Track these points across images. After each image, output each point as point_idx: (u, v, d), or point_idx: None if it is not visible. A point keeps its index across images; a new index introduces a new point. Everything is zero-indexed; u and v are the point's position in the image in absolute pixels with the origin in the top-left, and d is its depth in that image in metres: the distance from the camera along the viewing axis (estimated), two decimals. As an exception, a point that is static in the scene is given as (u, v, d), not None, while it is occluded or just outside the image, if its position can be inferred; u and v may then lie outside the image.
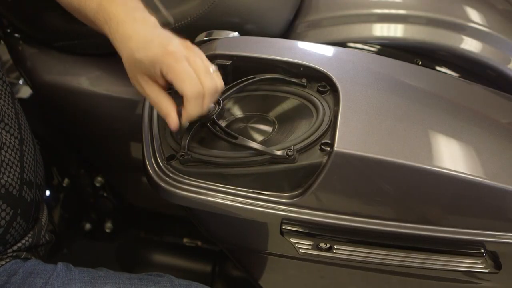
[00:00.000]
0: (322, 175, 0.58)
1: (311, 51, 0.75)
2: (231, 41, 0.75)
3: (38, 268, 0.66)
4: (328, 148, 0.59)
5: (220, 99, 0.66)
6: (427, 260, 0.63)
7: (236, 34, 0.79)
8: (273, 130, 0.66)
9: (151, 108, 0.71)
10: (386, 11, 0.93)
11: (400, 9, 0.93)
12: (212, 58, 0.70)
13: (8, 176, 0.64)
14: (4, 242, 0.66)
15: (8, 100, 0.69)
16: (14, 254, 0.68)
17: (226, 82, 0.70)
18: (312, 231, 0.62)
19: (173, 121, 0.57)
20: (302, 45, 0.76)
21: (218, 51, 0.71)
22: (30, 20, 0.91)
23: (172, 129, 0.59)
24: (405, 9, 0.93)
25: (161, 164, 0.64)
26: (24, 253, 0.70)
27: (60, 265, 0.68)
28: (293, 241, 0.63)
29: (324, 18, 0.94)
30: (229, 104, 0.70)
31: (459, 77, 0.89)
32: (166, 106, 0.58)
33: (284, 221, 0.62)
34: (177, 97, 0.59)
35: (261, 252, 0.73)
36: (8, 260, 0.67)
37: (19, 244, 0.68)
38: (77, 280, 0.66)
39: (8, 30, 0.96)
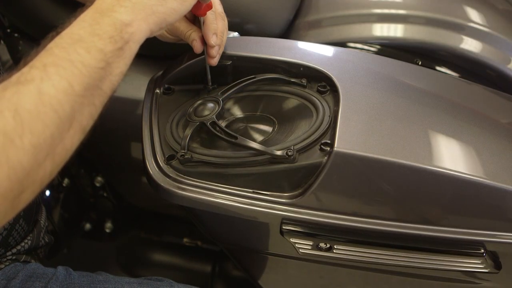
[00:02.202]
0: (322, 175, 0.58)
1: (311, 51, 0.75)
2: (231, 41, 0.75)
3: (38, 271, 0.66)
4: (328, 148, 0.59)
5: (220, 99, 0.66)
6: (427, 260, 0.63)
7: (236, 34, 0.79)
8: (273, 130, 0.66)
9: (151, 108, 0.71)
10: (386, 11, 0.93)
11: (400, 9, 0.93)
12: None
13: None
14: (6, 244, 0.66)
15: None
16: (14, 257, 0.68)
17: (226, 82, 0.71)
18: (312, 231, 0.62)
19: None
20: (302, 45, 0.76)
21: (218, 51, 0.71)
22: (29, 20, 0.91)
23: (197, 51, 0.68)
24: (405, 9, 0.93)
25: (161, 164, 0.64)
26: (24, 256, 0.69)
27: (59, 268, 0.68)
28: (293, 241, 0.63)
29: (324, 18, 0.94)
30: (229, 104, 0.70)
31: (459, 77, 0.89)
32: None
33: (284, 221, 0.62)
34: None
35: (261, 252, 0.73)
36: (7, 263, 0.66)
37: (19, 247, 0.68)
38: (76, 284, 0.66)
39: (8, 30, 0.96)
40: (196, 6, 0.62)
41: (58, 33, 0.47)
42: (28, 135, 0.40)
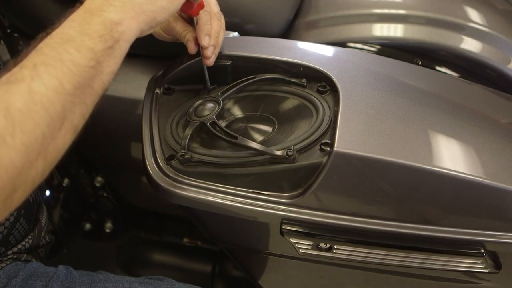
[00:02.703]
0: (322, 175, 0.58)
1: (311, 51, 0.75)
2: (231, 41, 0.75)
3: (39, 270, 0.66)
4: (328, 148, 0.59)
5: (220, 99, 0.66)
6: (427, 260, 0.63)
7: (236, 34, 0.79)
8: (273, 130, 0.66)
9: (151, 108, 0.71)
10: (386, 11, 0.93)
11: (400, 9, 0.93)
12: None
13: None
14: (7, 243, 0.66)
15: None
16: (15, 256, 0.68)
17: (226, 82, 0.71)
18: (312, 231, 0.62)
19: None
20: (302, 45, 0.76)
21: (218, 51, 0.71)
22: (29, 20, 0.92)
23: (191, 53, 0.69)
24: (405, 9, 0.93)
25: (161, 164, 0.64)
26: (25, 255, 0.69)
27: (60, 267, 0.68)
28: (293, 241, 0.63)
29: (324, 18, 0.94)
30: (229, 104, 0.70)
31: (459, 77, 0.89)
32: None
33: (284, 221, 0.62)
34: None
35: (261, 252, 0.73)
36: (8, 262, 0.66)
37: (19, 246, 0.68)
38: (77, 283, 0.66)
39: (8, 30, 0.96)
40: (188, 6, 0.62)
41: (48, 34, 0.47)
42: (20, 134, 0.40)
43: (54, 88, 0.43)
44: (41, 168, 0.43)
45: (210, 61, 0.67)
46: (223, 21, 0.70)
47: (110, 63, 0.48)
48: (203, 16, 0.66)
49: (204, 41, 0.65)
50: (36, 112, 0.42)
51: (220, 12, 0.70)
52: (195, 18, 0.66)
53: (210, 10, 0.68)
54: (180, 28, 0.67)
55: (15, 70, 0.44)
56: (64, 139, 0.45)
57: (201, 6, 0.64)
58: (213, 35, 0.66)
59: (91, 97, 0.47)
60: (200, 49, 0.67)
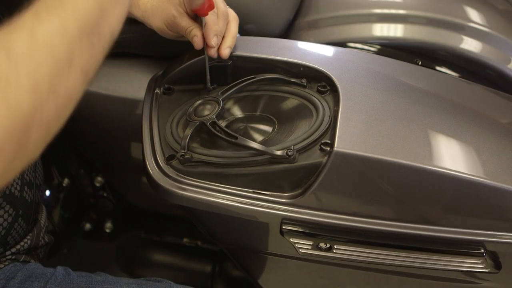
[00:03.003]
0: (322, 175, 0.58)
1: (311, 51, 0.75)
2: (231, 41, 0.75)
3: (37, 271, 0.66)
4: (328, 148, 0.59)
5: (220, 99, 0.66)
6: (427, 260, 0.63)
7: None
8: (273, 130, 0.66)
9: (151, 108, 0.71)
10: (386, 11, 0.93)
11: (400, 9, 0.93)
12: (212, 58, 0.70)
13: None
14: (5, 243, 0.66)
15: None
16: (13, 257, 0.68)
17: (226, 82, 0.71)
18: (312, 231, 0.62)
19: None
20: (302, 45, 0.76)
21: (218, 51, 0.71)
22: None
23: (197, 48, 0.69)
24: (405, 9, 0.93)
25: (161, 164, 0.64)
26: (23, 256, 0.69)
27: (59, 269, 0.68)
28: (293, 241, 0.63)
29: (324, 18, 0.94)
30: (229, 104, 0.70)
31: (459, 77, 0.89)
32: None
33: (284, 221, 0.62)
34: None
35: (261, 252, 0.73)
36: (7, 263, 0.66)
37: (18, 246, 0.68)
38: (75, 284, 0.66)
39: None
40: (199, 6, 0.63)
41: None
42: (24, 75, 0.40)
43: (58, 33, 0.42)
44: (54, 110, 0.42)
45: (226, 53, 0.69)
46: (232, 17, 0.71)
47: (116, 9, 0.48)
48: (212, 16, 0.67)
49: (213, 40, 0.66)
50: (41, 56, 0.41)
51: (227, 10, 0.70)
52: (203, 19, 0.66)
53: (217, 9, 0.68)
54: (186, 24, 0.68)
55: (17, 17, 0.43)
56: (75, 82, 0.44)
57: (212, 6, 0.65)
58: (222, 33, 0.68)
59: (99, 42, 0.46)
60: (204, 48, 0.67)
